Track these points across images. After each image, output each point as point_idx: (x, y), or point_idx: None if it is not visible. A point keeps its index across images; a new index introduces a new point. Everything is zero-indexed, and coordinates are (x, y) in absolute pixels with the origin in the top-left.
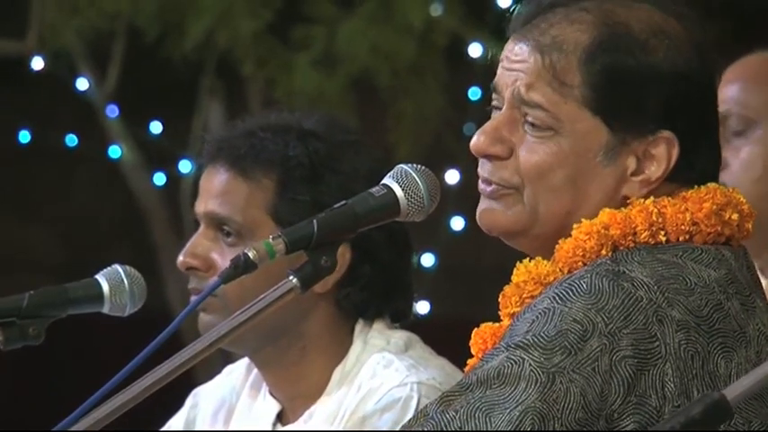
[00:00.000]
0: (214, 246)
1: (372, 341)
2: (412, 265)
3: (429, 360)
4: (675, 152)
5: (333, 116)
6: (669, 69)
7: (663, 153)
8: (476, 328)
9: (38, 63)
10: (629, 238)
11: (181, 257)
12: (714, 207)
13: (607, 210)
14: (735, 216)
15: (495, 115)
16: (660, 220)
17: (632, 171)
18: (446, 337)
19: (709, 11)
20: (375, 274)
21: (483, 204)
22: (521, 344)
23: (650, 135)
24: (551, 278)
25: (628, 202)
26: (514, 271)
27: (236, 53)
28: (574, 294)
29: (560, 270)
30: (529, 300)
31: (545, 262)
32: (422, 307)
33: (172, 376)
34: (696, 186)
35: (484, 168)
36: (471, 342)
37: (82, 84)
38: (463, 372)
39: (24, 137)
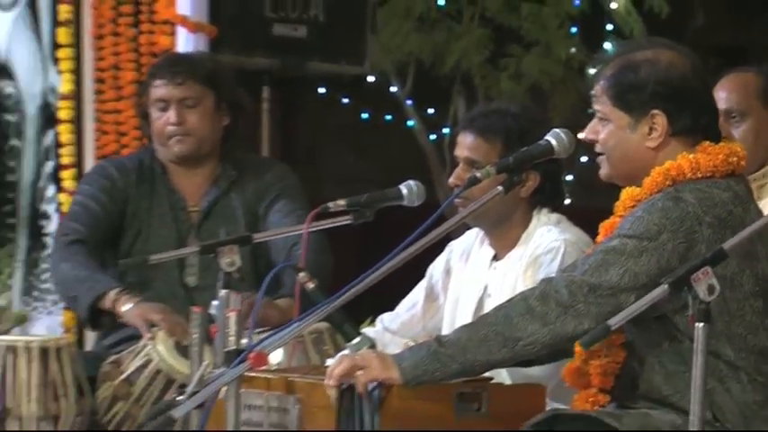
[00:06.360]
0: (465, 174)
1: (541, 218)
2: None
3: (571, 229)
4: (665, 120)
5: (525, 104)
6: (652, 78)
7: (659, 121)
8: (601, 222)
9: (370, 79)
10: (681, 175)
11: (451, 179)
12: (724, 156)
13: (668, 161)
14: (734, 159)
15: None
16: (697, 165)
17: (648, 133)
18: (580, 220)
19: (708, 49)
20: (551, 186)
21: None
22: (626, 234)
23: (649, 113)
24: (640, 197)
25: (654, 149)
26: (622, 193)
27: (471, 72)
28: (654, 209)
29: (645, 193)
30: (629, 208)
31: (637, 188)
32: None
33: (440, 236)
34: (705, 140)
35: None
36: (599, 229)
37: (393, 88)
38: (591, 238)
39: (364, 117)
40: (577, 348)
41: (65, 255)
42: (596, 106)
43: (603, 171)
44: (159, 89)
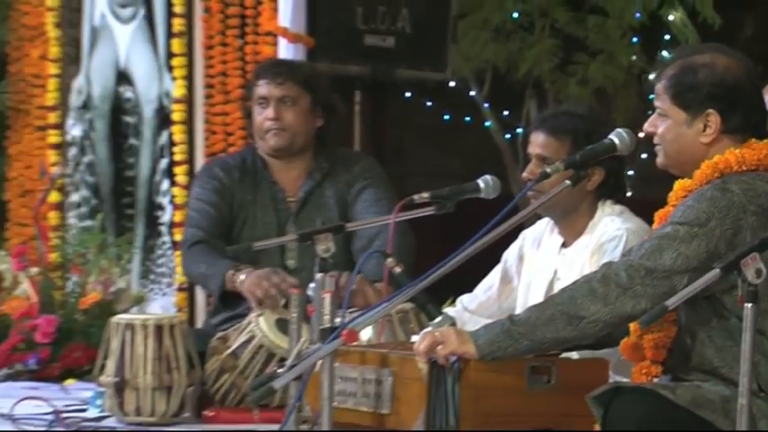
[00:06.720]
0: (537, 170)
1: (606, 209)
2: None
3: (632, 219)
4: (718, 118)
5: (591, 106)
6: (709, 81)
7: (713, 119)
8: (656, 211)
9: (451, 84)
10: (728, 168)
11: (524, 174)
12: (767, 151)
13: (717, 155)
14: None
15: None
16: (743, 159)
17: (702, 130)
18: (641, 211)
19: (757, 56)
20: (615, 180)
21: None
22: (678, 222)
23: (704, 111)
24: (691, 188)
25: (707, 144)
26: (675, 185)
27: (542, 78)
28: (704, 198)
29: (695, 184)
30: (681, 198)
31: (688, 180)
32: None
33: (514, 225)
34: (752, 138)
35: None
36: (654, 217)
37: (472, 93)
38: (651, 227)
39: (446, 118)
40: (633, 326)
41: (190, 258)
42: (657, 102)
43: (659, 160)
44: (261, 88)
